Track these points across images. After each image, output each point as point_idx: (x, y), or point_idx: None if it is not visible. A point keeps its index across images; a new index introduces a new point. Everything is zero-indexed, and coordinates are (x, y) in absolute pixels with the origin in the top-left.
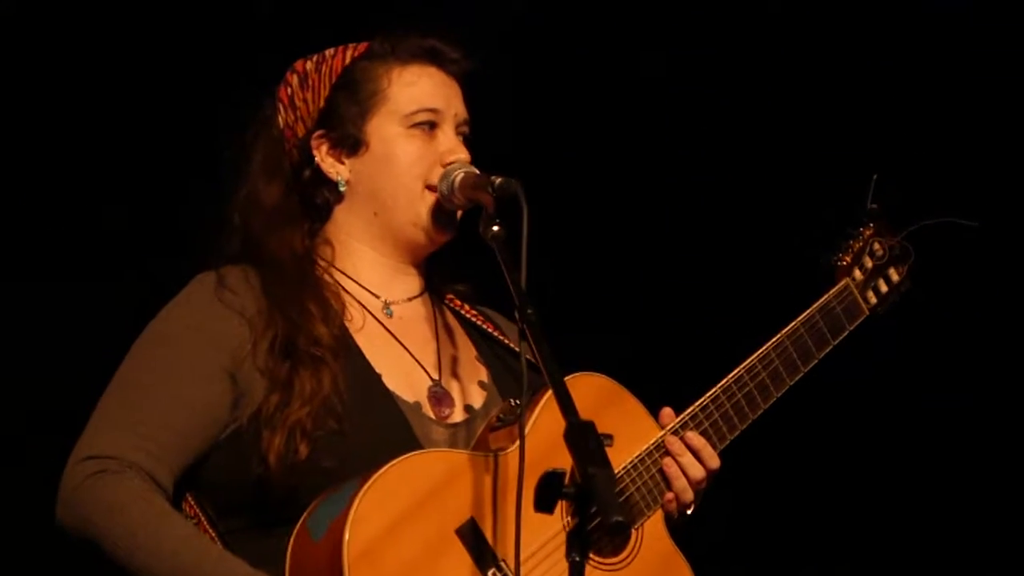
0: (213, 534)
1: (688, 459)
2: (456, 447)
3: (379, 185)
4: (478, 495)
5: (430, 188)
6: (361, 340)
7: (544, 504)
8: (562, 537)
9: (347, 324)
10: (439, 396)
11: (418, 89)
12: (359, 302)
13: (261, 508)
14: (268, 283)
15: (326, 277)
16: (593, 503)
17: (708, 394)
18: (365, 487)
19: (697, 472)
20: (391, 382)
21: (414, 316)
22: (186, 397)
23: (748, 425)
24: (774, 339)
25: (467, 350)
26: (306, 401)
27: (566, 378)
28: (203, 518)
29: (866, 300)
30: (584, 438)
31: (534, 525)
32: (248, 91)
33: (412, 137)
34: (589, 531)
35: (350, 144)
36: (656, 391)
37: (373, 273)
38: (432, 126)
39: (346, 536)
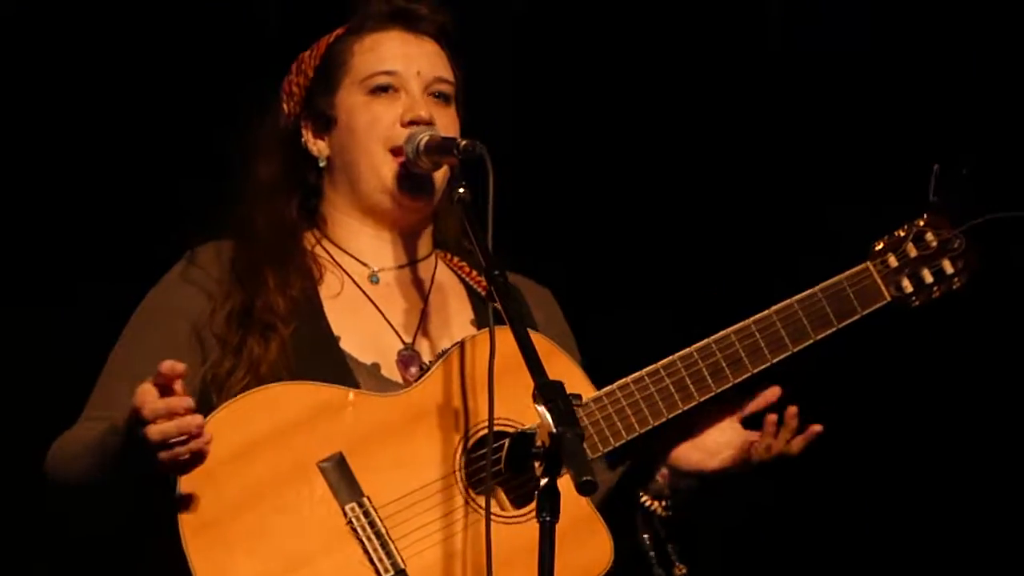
0: None
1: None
2: None
3: (348, 156)
4: (355, 431)
5: (395, 152)
6: (331, 305)
7: (516, 463)
8: (440, 484)
9: (320, 291)
10: (407, 359)
11: (375, 54)
12: (344, 270)
13: None
14: (238, 256)
15: (315, 249)
16: (562, 462)
17: (664, 360)
18: (217, 410)
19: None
20: (349, 344)
21: (403, 283)
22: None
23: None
24: (762, 313)
25: (462, 315)
26: (252, 366)
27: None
28: None
29: (896, 287)
30: (553, 398)
31: (411, 469)
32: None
33: (370, 103)
34: (496, 482)
35: (324, 121)
36: None
37: (360, 243)
38: (393, 89)
39: None
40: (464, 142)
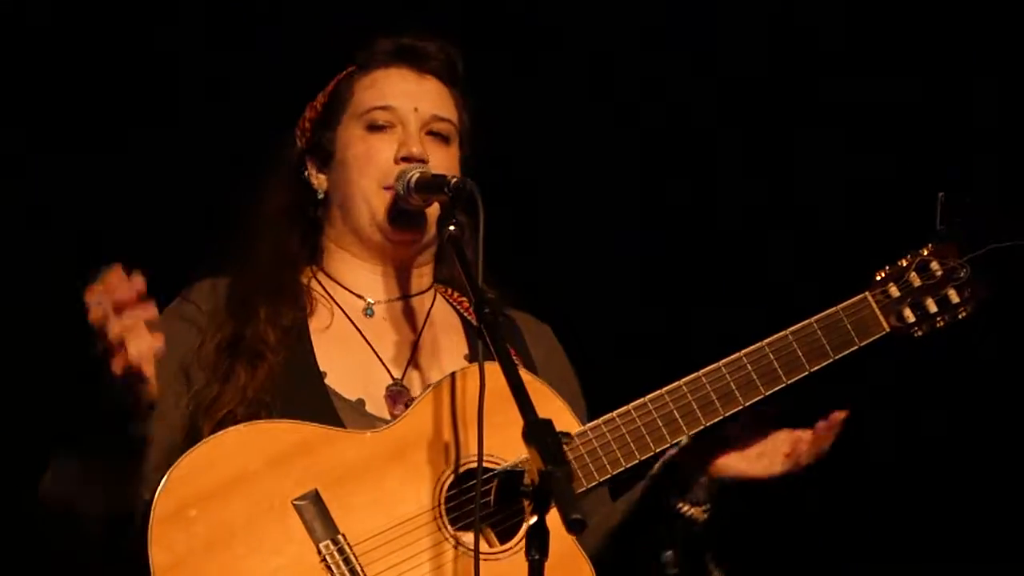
0: None
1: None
2: None
3: (343, 190)
4: (332, 469)
5: (388, 188)
6: (319, 339)
7: (504, 501)
8: (419, 520)
9: (311, 324)
10: (395, 394)
11: (375, 90)
12: (337, 303)
13: None
14: (233, 288)
15: (311, 283)
16: (551, 500)
17: (653, 394)
18: (191, 449)
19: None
20: (335, 379)
21: (397, 316)
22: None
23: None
24: (754, 345)
25: (456, 350)
26: (238, 392)
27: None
28: None
29: (898, 317)
30: (543, 436)
31: (389, 505)
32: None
33: (367, 138)
34: (483, 516)
35: (324, 156)
36: None
37: (355, 276)
38: (390, 125)
39: (157, 495)
40: (454, 179)
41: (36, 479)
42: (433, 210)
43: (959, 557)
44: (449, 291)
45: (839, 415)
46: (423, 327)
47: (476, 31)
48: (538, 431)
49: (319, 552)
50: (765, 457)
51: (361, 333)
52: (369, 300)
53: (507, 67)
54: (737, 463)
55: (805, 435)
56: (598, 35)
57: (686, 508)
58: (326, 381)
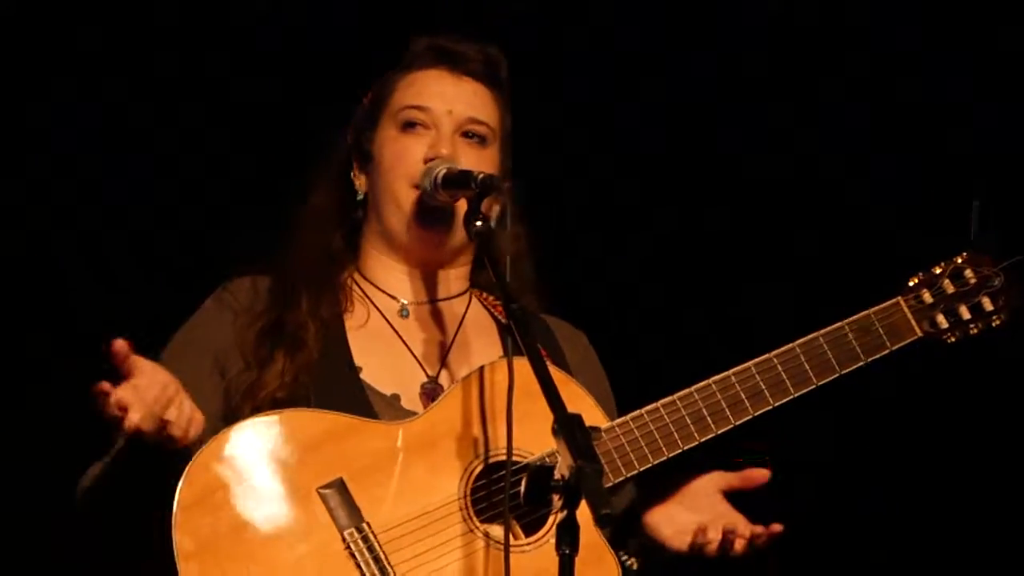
0: None
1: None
2: None
3: (378, 190)
4: (359, 457)
5: (417, 187)
6: (356, 335)
7: (534, 496)
8: (444, 511)
9: (347, 320)
10: (430, 391)
11: (411, 90)
12: (372, 302)
13: None
14: (275, 284)
15: (349, 281)
16: (581, 495)
17: (682, 392)
18: (217, 435)
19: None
20: (370, 375)
21: (431, 317)
22: None
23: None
24: (786, 346)
25: (489, 351)
26: (276, 377)
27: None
28: None
29: (931, 323)
30: (572, 430)
31: (414, 495)
32: None
33: (400, 137)
34: (510, 509)
35: (365, 156)
36: None
37: (390, 277)
38: (424, 126)
39: (181, 482)
40: (481, 175)
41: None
42: (460, 206)
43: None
44: (484, 295)
45: (777, 527)
46: (457, 328)
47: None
48: (568, 425)
49: (343, 540)
50: (687, 532)
51: (396, 332)
52: (403, 301)
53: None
54: (663, 527)
55: (711, 532)
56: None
57: (625, 557)
58: (361, 376)
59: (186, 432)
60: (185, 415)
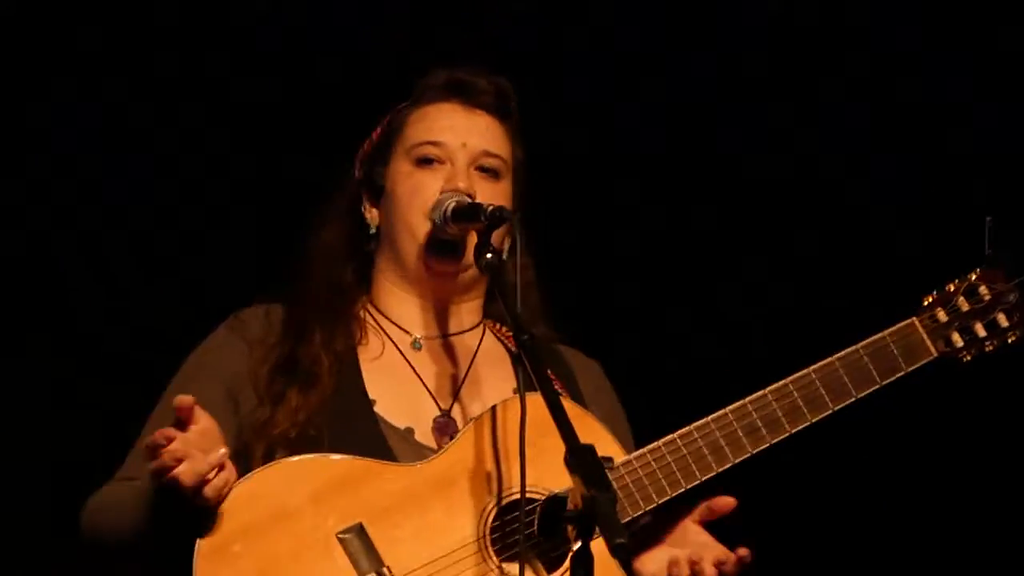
0: None
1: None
2: None
3: (391, 224)
4: (377, 501)
5: (428, 219)
6: (369, 368)
7: (547, 528)
8: (464, 551)
9: (360, 353)
10: (442, 425)
11: (424, 124)
12: (386, 335)
13: None
14: (288, 316)
15: (361, 312)
16: (595, 525)
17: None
18: (238, 482)
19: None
20: (384, 408)
21: (445, 350)
22: None
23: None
24: (800, 372)
25: (503, 384)
26: (289, 415)
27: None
28: None
29: (946, 342)
30: (585, 461)
31: (434, 537)
32: None
33: (414, 172)
34: (529, 546)
35: (376, 191)
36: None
37: (403, 310)
38: (438, 161)
39: (200, 533)
40: (491, 207)
41: None
42: (471, 240)
43: None
44: (498, 326)
45: (743, 552)
46: (471, 362)
47: None
48: (581, 456)
49: None
50: (664, 569)
51: (410, 364)
52: (416, 335)
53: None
54: (646, 565)
55: (706, 556)
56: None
57: None
58: (375, 409)
59: (219, 496)
60: (223, 479)
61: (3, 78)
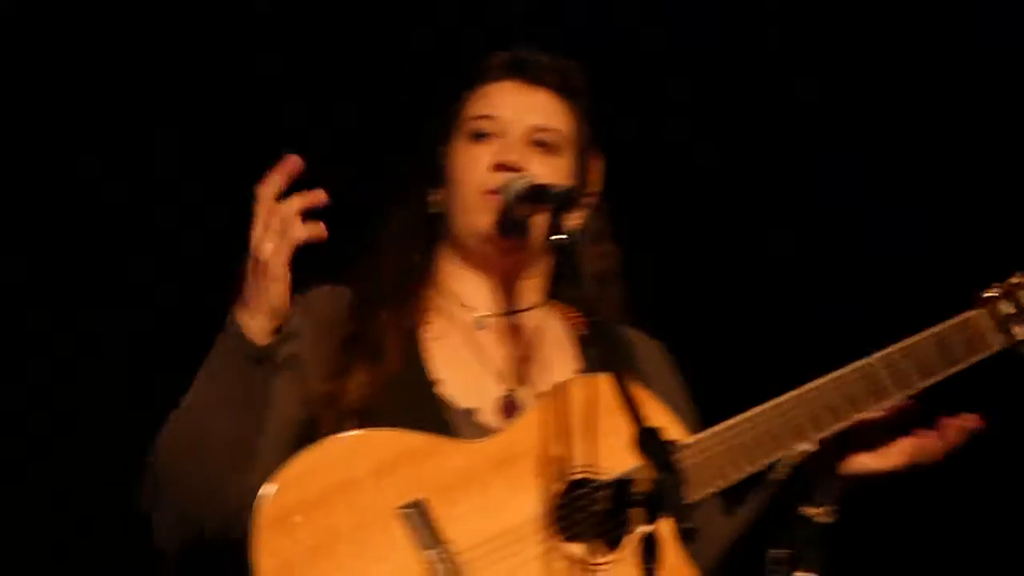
0: None
1: None
2: None
3: (451, 202)
4: (438, 477)
5: (489, 193)
6: (432, 347)
7: (614, 512)
8: (525, 530)
9: (424, 333)
10: (508, 405)
11: (481, 102)
12: (450, 314)
13: None
14: (354, 296)
15: (426, 294)
16: (663, 508)
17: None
18: (299, 453)
19: None
20: (448, 388)
21: (508, 330)
22: None
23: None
24: (862, 361)
25: (567, 364)
26: (355, 388)
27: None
28: None
29: (1009, 334)
30: (653, 444)
31: (495, 515)
32: None
33: (469, 148)
34: (592, 526)
35: (438, 173)
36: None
37: (466, 289)
38: (492, 135)
39: (263, 501)
40: (559, 189)
41: None
42: (539, 218)
43: None
44: (563, 307)
45: (971, 421)
46: (535, 341)
47: None
48: (648, 439)
49: (424, 561)
50: (890, 454)
51: (473, 345)
52: (480, 314)
53: None
54: (866, 460)
55: (927, 440)
56: None
57: (813, 512)
58: (438, 389)
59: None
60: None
61: (4, 78)
